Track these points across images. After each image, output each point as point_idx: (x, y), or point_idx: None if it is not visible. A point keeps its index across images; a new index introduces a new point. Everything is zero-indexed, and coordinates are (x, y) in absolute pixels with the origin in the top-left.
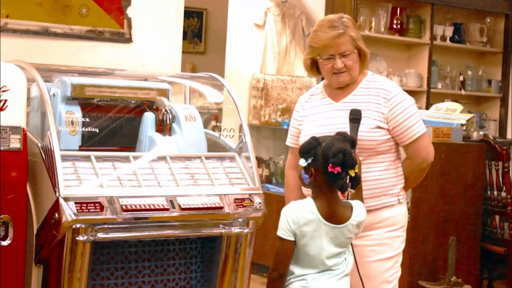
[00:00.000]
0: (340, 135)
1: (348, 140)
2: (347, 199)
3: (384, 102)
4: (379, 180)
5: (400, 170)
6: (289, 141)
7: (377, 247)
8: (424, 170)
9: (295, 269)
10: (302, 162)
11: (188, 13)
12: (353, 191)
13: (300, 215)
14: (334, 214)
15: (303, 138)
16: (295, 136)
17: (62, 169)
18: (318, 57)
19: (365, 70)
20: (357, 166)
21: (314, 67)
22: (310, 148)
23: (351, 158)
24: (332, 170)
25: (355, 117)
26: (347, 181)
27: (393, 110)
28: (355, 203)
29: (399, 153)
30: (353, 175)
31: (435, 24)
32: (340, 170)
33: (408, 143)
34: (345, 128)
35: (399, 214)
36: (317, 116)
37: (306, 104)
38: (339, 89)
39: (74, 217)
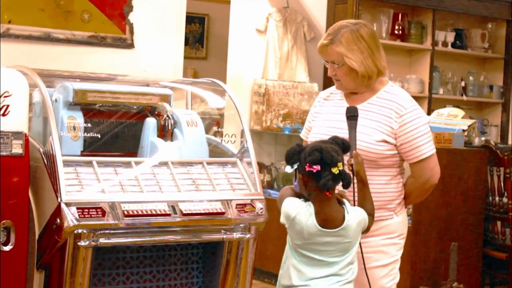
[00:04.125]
0: (331, 139)
1: (338, 144)
2: (354, 203)
3: (396, 117)
4: (378, 194)
5: (401, 186)
6: (302, 134)
7: (372, 254)
8: (427, 191)
9: (297, 276)
10: (288, 169)
11: (190, 19)
12: (345, 191)
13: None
14: (330, 219)
15: (312, 135)
16: (308, 130)
17: (64, 174)
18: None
19: (387, 79)
20: (340, 164)
21: None
22: (293, 154)
23: (330, 155)
24: (310, 169)
25: (352, 114)
26: (331, 180)
27: (404, 126)
28: (351, 208)
29: (403, 169)
30: (336, 172)
31: (437, 29)
32: (319, 169)
33: (413, 162)
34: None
35: (397, 222)
36: (328, 116)
37: (324, 101)
38: (355, 94)
39: (76, 223)
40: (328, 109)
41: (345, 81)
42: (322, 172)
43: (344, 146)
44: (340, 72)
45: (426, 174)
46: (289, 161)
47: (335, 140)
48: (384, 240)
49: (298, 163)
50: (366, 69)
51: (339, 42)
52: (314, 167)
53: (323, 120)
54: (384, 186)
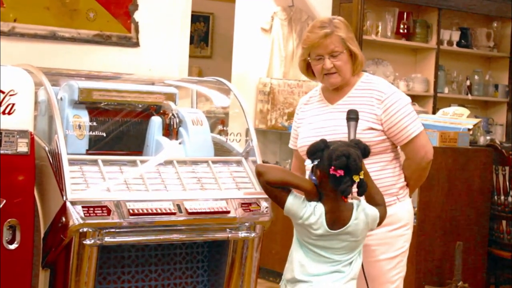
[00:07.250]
0: (353, 142)
1: (360, 148)
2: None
3: (378, 103)
4: (375, 181)
5: (398, 170)
6: (291, 143)
7: (379, 246)
8: (425, 169)
9: (301, 271)
10: (308, 163)
11: (195, 18)
12: (359, 198)
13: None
14: (339, 218)
15: (301, 141)
16: (296, 138)
17: (69, 173)
18: (309, 58)
19: (362, 72)
20: (362, 172)
21: (309, 69)
22: (317, 150)
23: (355, 163)
24: (334, 172)
25: (352, 116)
26: (350, 186)
27: (387, 111)
28: (357, 205)
29: (398, 153)
30: (357, 180)
31: (442, 28)
32: (342, 174)
33: (405, 143)
34: (340, 129)
35: (402, 211)
36: (313, 119)
37: (304, 106)
38: (334, 91)
39: (81, 221)
40: (311, 113)
41: (344, 70)
42: (344, 177)
43: (365, 152)
44: (340, 61)
45: (420, 153)
46: (312, 156)
47: (357, 144)
48: (390, 232)
49: (319, 159)
50: (361, 55)
51: (339, 29)
52: (339, 171)
53: (308, 124)
54: (380, 172)
